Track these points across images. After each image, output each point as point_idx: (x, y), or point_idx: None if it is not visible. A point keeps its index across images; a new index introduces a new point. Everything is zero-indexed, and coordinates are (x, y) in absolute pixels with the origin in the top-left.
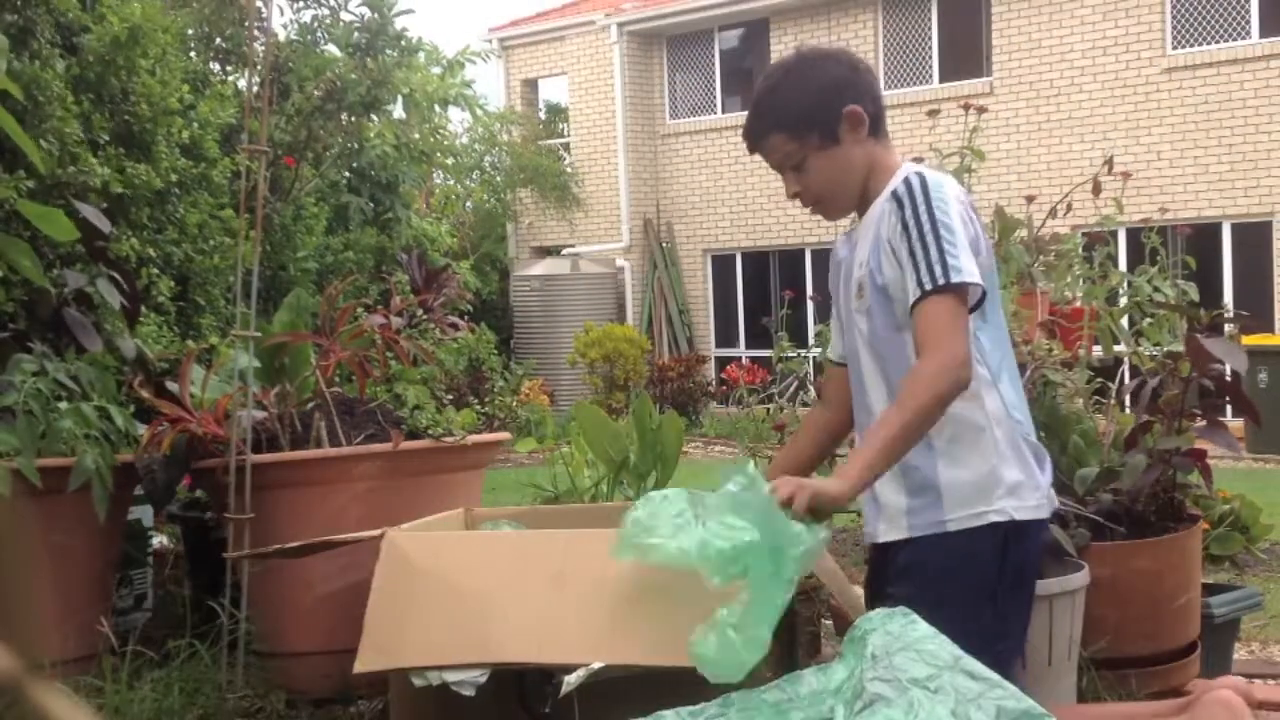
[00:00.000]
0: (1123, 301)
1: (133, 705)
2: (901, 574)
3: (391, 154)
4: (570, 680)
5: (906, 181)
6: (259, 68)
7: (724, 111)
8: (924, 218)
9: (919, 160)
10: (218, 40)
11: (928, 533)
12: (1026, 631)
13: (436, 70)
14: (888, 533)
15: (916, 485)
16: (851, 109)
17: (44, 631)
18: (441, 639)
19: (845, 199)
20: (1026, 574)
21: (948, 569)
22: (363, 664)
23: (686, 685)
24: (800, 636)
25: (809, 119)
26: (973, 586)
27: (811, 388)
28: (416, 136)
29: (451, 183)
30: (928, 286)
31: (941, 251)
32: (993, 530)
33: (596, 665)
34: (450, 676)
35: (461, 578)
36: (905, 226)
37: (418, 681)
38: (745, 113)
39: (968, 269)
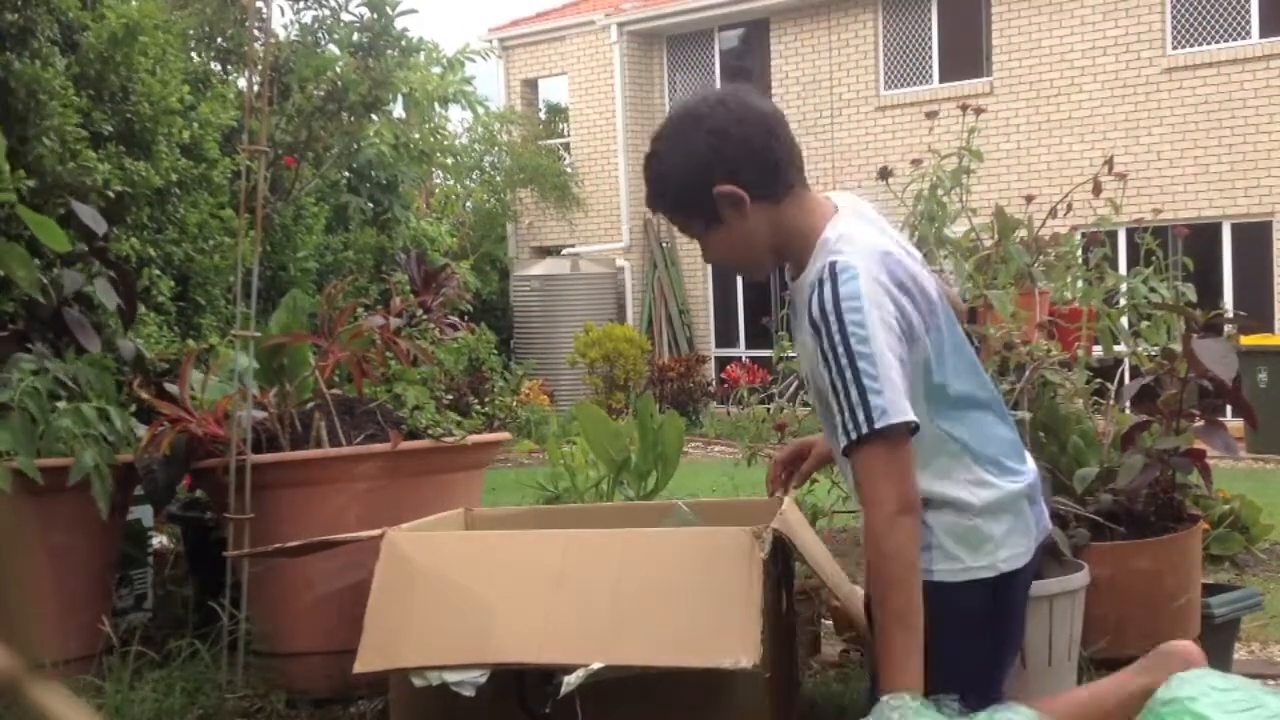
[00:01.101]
0: (1121, 302)
1: (133, 705)
2: None
3: (389, 153)
4: (570, 680)
5: (820, 292)
6: (259, 68)
7: None
8: (840, 350)
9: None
10: (219, 40)
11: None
12: (1019, 647)
13: (436, 70)
14: None
15: None
16: (722, 190)
17: (43, 631)
18: (441, 639)
19: (759, 264)
20: (1015, 610)
21: (935, 617)
22: (363, 664)
23: (686, 685)
24: (800, 636)
25: (684, 205)
26: (960, 633)
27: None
28: (416, 136)
29: (451, 183)
30: (853, 436)
31: (862, 392)
32: (980, 585)
33: (596, 666)
34: (450, 677)
35: (461, 578)
36: (824, 358)
37: (417, 682)
38: None
39: (892, 407)
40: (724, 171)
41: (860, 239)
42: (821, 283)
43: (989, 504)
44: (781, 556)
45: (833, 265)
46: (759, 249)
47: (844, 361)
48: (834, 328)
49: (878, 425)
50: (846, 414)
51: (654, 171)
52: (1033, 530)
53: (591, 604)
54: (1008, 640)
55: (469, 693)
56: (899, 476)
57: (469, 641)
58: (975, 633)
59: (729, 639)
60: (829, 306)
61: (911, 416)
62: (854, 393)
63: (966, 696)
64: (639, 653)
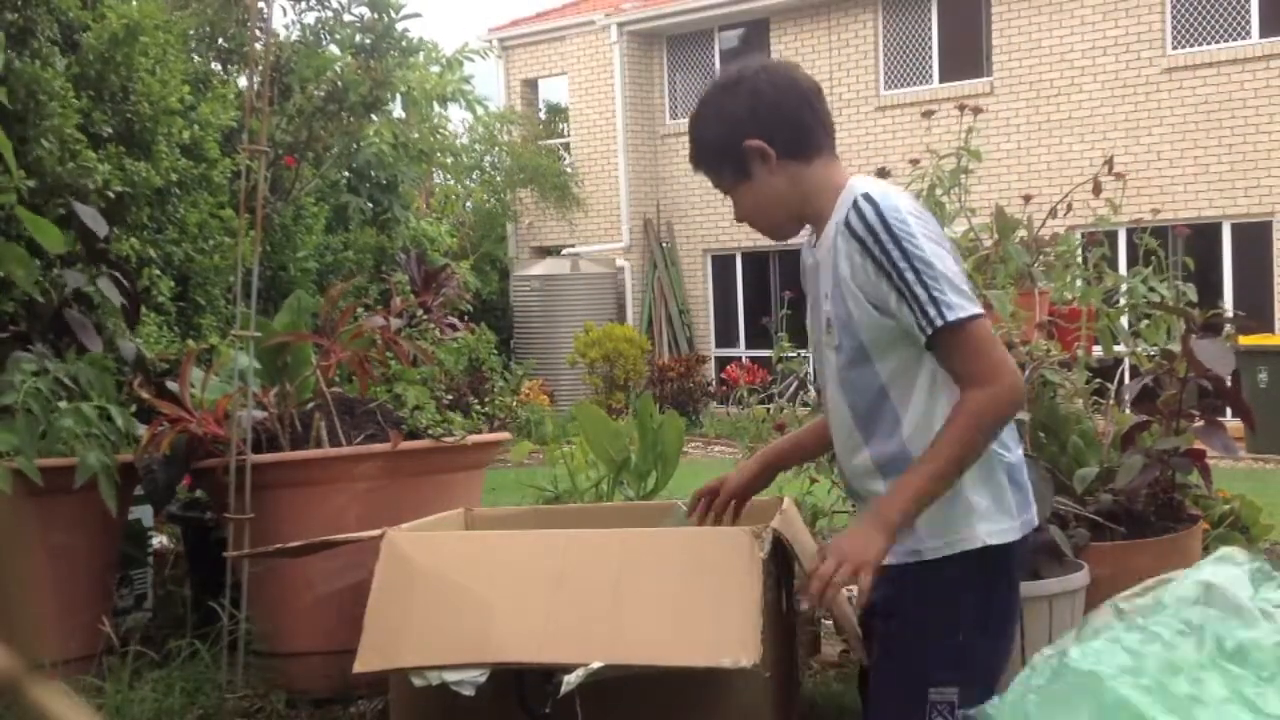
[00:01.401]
0: (1121, 302)
1: (133, 705)
2: (885, 605)
3: (388, 152)
4: (570, 680)
5: (860, 212)
6: (260, 68)
7: None
8: (895, 255)
9: (883, 173)
10: (220, 40)
11: (906, 561)
12: (1014, 641)
13: (435, 69)
14: None
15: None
16: (750, 144)
17: (43, 631)
18: (441, 639)
19: (783, 224)
20: (1010, 603)
21: (926, 598)
22: (362, 664)
23: (686, 685)
24: (800, 636)
25: (717, 159)
26: (954, 615)
27: (812, 388)
28: (416, 136)
29: (451, 182)
30: (929, 331)
31: (933, 290)
32: (964, 558)
33: (596, 665)
34: (450, 676)
35: (461, 578)
36: (883, 270)
37: (417, 681)
38: None
39: (968, 301)
40: (755, 128)
41: (890, 188)
42: (858, 206)
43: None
44: (781, 556)
45: (867, 193)
46: (782, 209)
47: (902, 265)
48: (884, 237)
49: (964, 316)
50: (919, 313)
51: (694, 126)
52: (1013, 512)
53: (591, 604)
54: (1001, 625)
55: (469, 692)
56: (1007, 356)
57: (468, 641)
58: (968, 613)
59: (729, 638)
60: (873, 219)
61: (979, 309)
62: (920, 292)
63: (972, 689)
64: (639, 652)
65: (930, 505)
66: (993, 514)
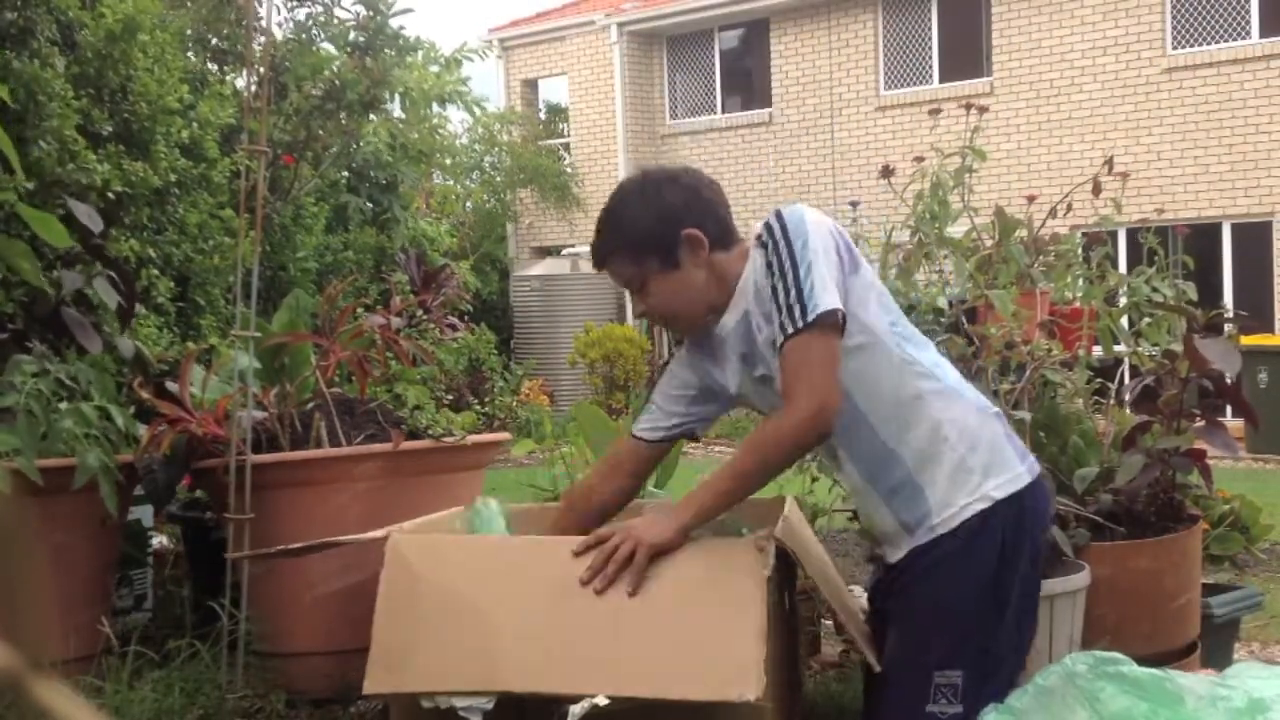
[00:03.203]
0: (1122, 302)
1: (133, 705)
2: (906, 584)
3: (385, 150)
4: (575, 711)
5: (767, 222)
6: (257, 67)
7: (724, 112)
8: (783, 250)
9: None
10: (214, 41)
11: (925, 540)
12: (1033, 630)
13: (434, 68)
14: (893, 554)
15: (905, 501)
16: (689, 233)
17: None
18: (448, 663)
19: (691, 317)
20: (1029, 581)
21: (943, 566)
22: (372, 685)
23: (695, 714)
24: (800, 636)
25: (647, 244)
26: (973, 581)
27: None
28: (415, 136)
29: (450, 183)
30: (789, 330)
31: (798, 284)
32: (980, 519)
33: (602, 701)
34: (459, 703)
35: (466, 589)
36: (769, 266)
37: (426, 704)
38: (746, 112)
39: (826, 298)
40: (694, 220)
41: (806, 208)
42: (767, 221)
43: (955, 411)
44: (785, 560)
45: (779, 210)
46: (696, 301)
47: (785, 258)
48: (778, 234)
49: (811, 316)
50: (784, 311)
51: (620, 218)
52: (1010, 457)
53: (595, 620)
54: (1026, 589)
55: (476, 718)
56: (831, 373)
57: (475, 667)
58: (987, 575)
59: (732, 668)
60: (774, 223)
61: (840, 307)
62: (793, 288)
63: (970, 676)
64: (642, 685)
65: (713, 518)
66: (994, 467)
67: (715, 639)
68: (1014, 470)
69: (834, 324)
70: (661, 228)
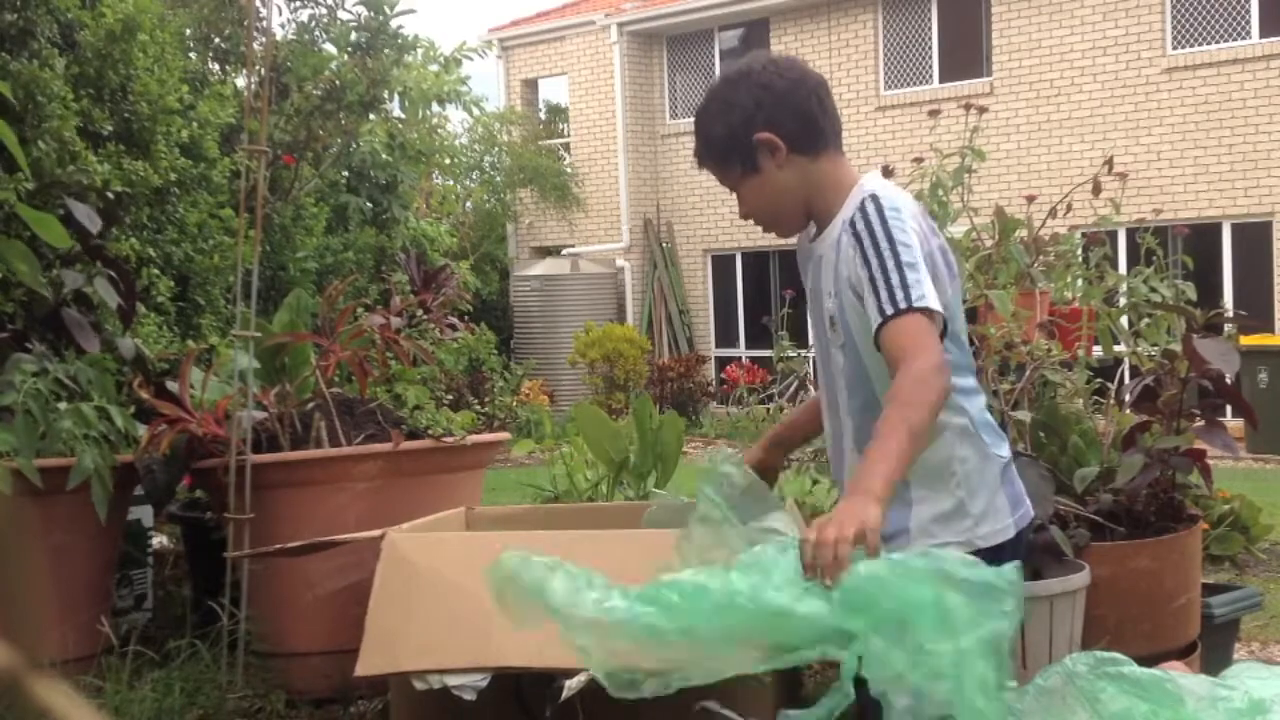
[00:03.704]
0: (1121, 302)
1: (133, 705)
2: None
3: (383, 150)
4: (571, 685)
5: (863, 210)
6: (258, 68)
7: None
8: (883, 245)
9: (888, 172)
10: (216, 40)
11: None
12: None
13: (434, 68)
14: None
15: (889, 510)
16: (761, 137)
17: (45, 629)
18: (442, 642)
19: (789, 220)
20: None
21: None
22: (364, 667)
23: (691, 691)
24: None
25: (725, 153)
26: None
27: (811, 388)
28: (414, 136)
29: (450, 183)
30: (889, 311)
31: (903, 277)
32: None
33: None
34: (451, 680)
35: (462, 579)
36: (865, 260)
37: (419, 685)
38: None
39: (930, 295)
40: (764, 122)
41: (898, 191)
42: (864, 204)
43: (966, 447)
44: None
45: (875, 194)
46: (790, 203)
47: (886, 253)
48: (877, 228)
49: (916, 304)
50: (884, 295)
51: (700, 121)
52: (1002, 511)
53: None
54: None
55: (470, 697)
56: (939, 344)
57: (469, 645)
58: None
59: None
60: (872, 215)
61: (943, 310)
62: (894, 277)
63: None
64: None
65: (903, 466)
66: (988, 516)
67: None
68: (1003, 522)
69: (933, 317)
70: (734, 133)
